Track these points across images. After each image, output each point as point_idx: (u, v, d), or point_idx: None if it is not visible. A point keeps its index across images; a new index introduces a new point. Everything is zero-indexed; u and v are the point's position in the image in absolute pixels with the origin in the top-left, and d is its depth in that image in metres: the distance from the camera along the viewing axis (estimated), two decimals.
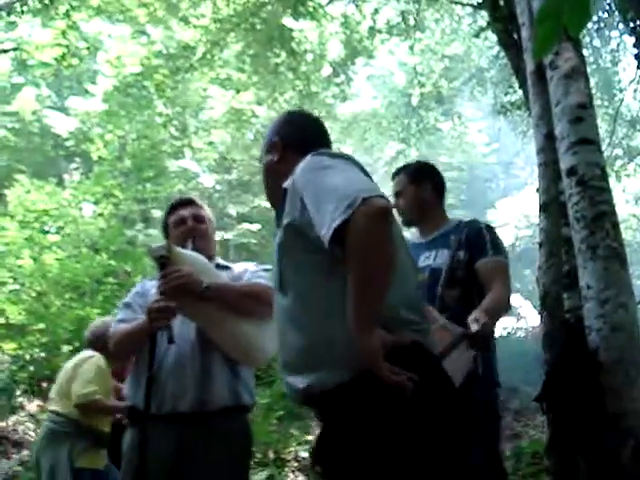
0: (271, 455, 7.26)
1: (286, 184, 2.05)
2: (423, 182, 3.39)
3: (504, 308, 3.06)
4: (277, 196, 2.13)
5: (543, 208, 3.88)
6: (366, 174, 2.02)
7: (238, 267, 3.06)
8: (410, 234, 3.65)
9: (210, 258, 2.97)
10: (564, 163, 3.62)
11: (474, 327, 2.62)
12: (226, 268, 3.01)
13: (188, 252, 2.82)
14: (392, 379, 1.74)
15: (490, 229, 3.28)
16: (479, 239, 3.17)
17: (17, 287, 9.89)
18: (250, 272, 2.97)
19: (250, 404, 2.86)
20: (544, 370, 3.63)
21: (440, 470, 1.79)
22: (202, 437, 2.65)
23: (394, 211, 2.69)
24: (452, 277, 3.10)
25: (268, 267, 2.87)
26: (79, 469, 4.24)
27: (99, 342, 4.45)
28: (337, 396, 1.83)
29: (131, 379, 2.88)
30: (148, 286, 3.02)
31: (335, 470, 1.86)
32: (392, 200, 3.29)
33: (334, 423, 1.88)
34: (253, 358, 2.82)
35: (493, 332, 2.85)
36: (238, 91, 15.13)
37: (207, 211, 3.15)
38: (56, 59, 12.03)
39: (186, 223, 2.98)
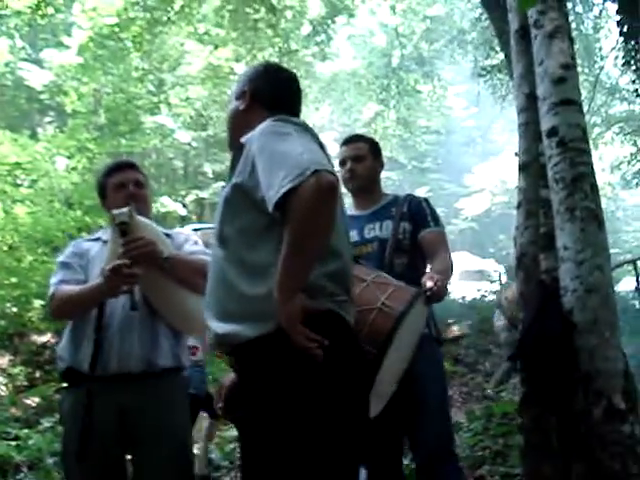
0: None
1: (244, 139, 2.08)
2: (379, 157, 3.52)
3: (450, 273, 3.22)
4: (235, 144, 2.18)
5: (522, 168, 3.85)
6: (322, 147, 2.06)
7: (178, 235, 3.09)
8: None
9: None
10: (545, 123, 3.60)
11: (429, 284, 2.76)
12: (168, 236, 2.97)
13: (146, 220, 2.81)
14: (302, 344, 1.82)
15: (428, 202, 3.43)
16: (420, 211, 3.34)
17: None
18: (191, 243, 2.99)
19: (185, 367, 2.92)
20: (518, 330, 3.65)
21: (340, 432, 1.88)
22: (147, 397, 2.67)
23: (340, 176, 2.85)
24: (399, 246, 3.25)
25: (200, 227, 2.88)
26: None
27: None
28: (251, 349, 1.92)
29: (69, 340, 2.82)
30: (85, 246, 2.97)
31: (244, 421, 2.00)
32: (348, 164, 3.39)
33: (245, 375, 1.99)
34: (193, 328, 2.87)
35: (445, 292, 2.98)
36: (216, 47, 14.93)
37: (145, 176, 3.10)
38: (31, 7, 11.76)
39: (127, 187, 2.92)
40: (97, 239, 3.00)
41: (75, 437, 2.62)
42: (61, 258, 2.97)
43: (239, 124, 2.27)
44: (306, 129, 2.07)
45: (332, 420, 1.86)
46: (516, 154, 4.04)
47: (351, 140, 3.55)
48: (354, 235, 3.23)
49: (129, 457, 2.78)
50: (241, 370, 2.04)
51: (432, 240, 3.28)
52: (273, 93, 2.30)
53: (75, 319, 2.82)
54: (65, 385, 2.86)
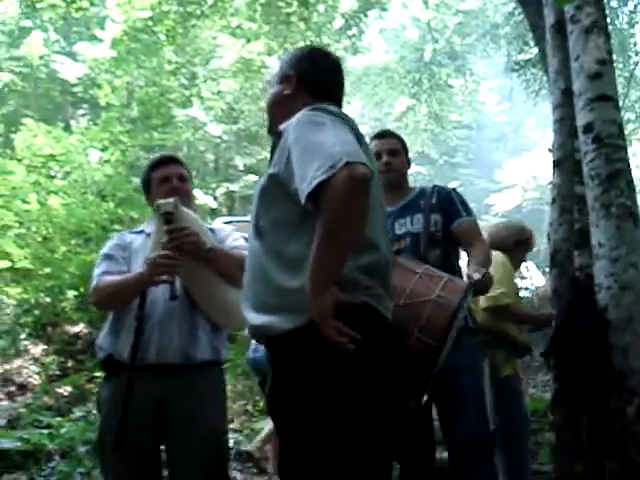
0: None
1: (282, 126, 2.08)
2: (408, 154, 3.55)
3: (489, 263, 3.18)
4: (275, 130, 2.17)
5: (557, 164, 3.84)
6: (359, 137, 2.04)
7: (220, 230, 3.11)
8: None
9: None
10: (581, 119, 3.58)
11: (476, 276, 2.75)
12: (211, 231, 3.02)
13: (191, 212, 2.85)
14: (333, 338, 1.81)
15: (456, 192, 3.43)
16: (450, 202, 3.34)
17: (23, 231, 9.88)
18: (233, 238, 3.01)
19: (224, 360, 2.95)
20: (552, 326, 3.63)
21: (373, 425, 1.88)
22: (184, 389, 2.70)
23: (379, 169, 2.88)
24: (432, 239, 3.23)
25: (231, 219, 2.90)
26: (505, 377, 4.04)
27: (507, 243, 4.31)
28: (286, 341, 1.92)
29: (110, 329, 2.86)
30: (129, 239, 3.02)
31: (281, 415, 2.00)
32: (384, 157, 3.39)
33: (279, 367, 2.00)
34: (233, 322, 2.89)
35: (490, 282, 2.98)
36: (248, 40, 14.93)
37: (186, 169, 3.14)
38: (66, 1, 11.85)
39: (171, 181, 2.97)
40: (140, 232, 3.06)
41: (113, 425, 2.65)
42: (104, 250, 3.02)
43: (283, 109, 2.24)
44: (343, 119, 2.05)
45: (365, 413, 1.86)
46: (550, 150, 4.02)
47: (385, 134, 3.56)
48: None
49: (163, 447, 2.80)
50: (275, 362, 2.04)
51: (466, 230, 3.27)
52: (318, 78, 2.29)
53: (117, 309, 2.85)
54: (104, 374, 2.90)
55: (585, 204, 3.55)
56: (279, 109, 2.28)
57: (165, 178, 2.98)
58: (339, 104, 2.26)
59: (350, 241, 1.87)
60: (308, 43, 15.04)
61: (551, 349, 3.50)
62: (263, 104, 18.48)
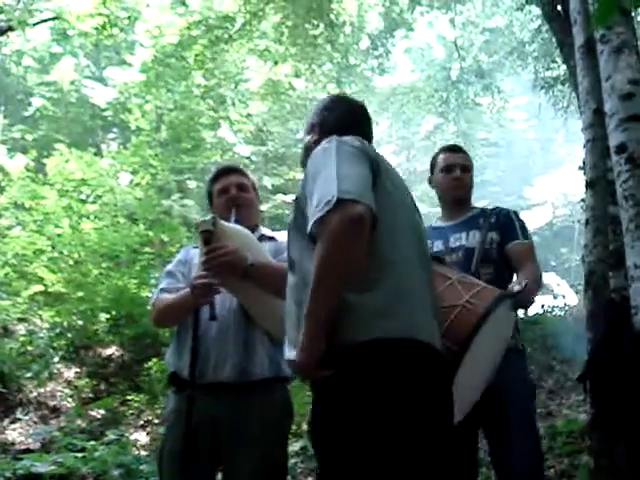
0: (304, 426, 7.30)
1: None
2: (472, 171, 3.46)
3: (538, 285, 3.11)
4: None
5: (590, 185, 3.80)
6: (375, 171, 2.04)
7: (282, 237, 2.96)
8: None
9: (254, 228, 2.96)
10: (613, 140, 3.54)
11: (516, 287, 2.67)
12: (271, 239, 2.99)
13: (233, 226, 2.80)
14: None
15: (516, 215, 3.35)
16: (509, 223, 3.26)
17: (56, 255, 10.00)
18: None
19: (289, 376, 2.83)
20: (587, 349, 3.58)
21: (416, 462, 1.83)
22: (243, 407, 2.66)
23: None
24: (486, 256, 3.16)
25: None
26: None
27: None
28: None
29: (173, 346, 2.89)
30: (191, 254, 3.02)
31: (317, 443, 1.97)
32: (457, 172, 3.33)
33: (320, 398, 1.96)
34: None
35: (533, 301, 2.91)
36: (276, 63, 15.03)
37: (252, 179, 3.12)
38: (96, 29, 12.05)
39: (229, 192, 2.96)
40: None
41: (175, 439, 2.67)
42: (168, 267, 3.06)
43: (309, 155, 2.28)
44: (354, 151, 2.05)
45: (406, 448, 1.82)
46: (580, 168, 3.99)
47: (458, 149, 3.51)
48: (439, 245, 3.24)
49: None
50: (316, 394, 2.01)
51: (520, 252, 3.19)
52: (337, 122, 2.35)
53: (174, 326, 2.90)
54: (173, 389, 2.90)
55: (619, 225, 3.50)
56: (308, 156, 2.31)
57: (224, 189, 2.97)
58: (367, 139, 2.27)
59: (338, 280, 1.86)
60: (335, 64, 15.11)
61: (587, 372, 3.45)
62: (291, 125, 18.65)
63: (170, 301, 2.83)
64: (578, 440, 5.22)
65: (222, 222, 2.73)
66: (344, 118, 2.37)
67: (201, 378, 2.68)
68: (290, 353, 2.00)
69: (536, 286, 3.02)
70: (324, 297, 1.85)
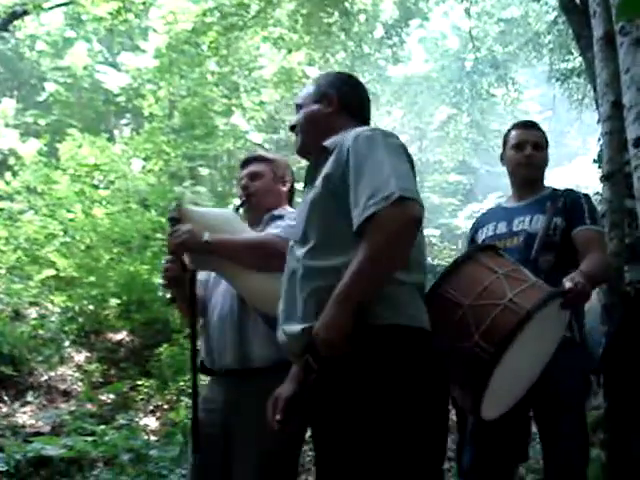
0: None
1: (329, 143, 2.09)
2: (547, 149, 3.30)
3: (602, 275, 2.97)
4: (314, 147, 2.18)
5: (607, 178, 3.78)
6: (412, 166, 2.04)
7: (281, 216, 2.96)
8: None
9: (268, 210, 2.97)
10: (631, 133, 3.50)
11: (567, 284, 2.53)
12: (279, 217, 2.94)
13: (199, 210, 2.95)
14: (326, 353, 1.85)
15: (587, 198, 3.18)
16: (577, 207, 3.10)
17: (68, 240, 10.02)
18: (274, 226, 2.91)
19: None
20: (601, 343, 3.56)
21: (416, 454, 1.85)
22: (248, 393, 2.67)
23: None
24: (548, 242, 3.01)
25: None
26: None
27: None
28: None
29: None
30: None
31: (321, 422, 1.97)
32: (528, 149, 3.19)
33: (327, 373, 1.91)
34: (261, 304, 2.70)
35: (588, 296, 2.68)
36: (290, 51, 14.99)
37: (274, 164, 3.09)
38: (111, 13, 12.03)
39: (241, 182, 3.03)
40: None
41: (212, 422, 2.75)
42: None
43: (319, 127, 2.26)
44: (400, 146, 2.05)
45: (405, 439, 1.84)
46: (594, 161, 3.96)
47: (532, 125, 3.34)
48: (502, 227, 3.14)
49: None
50: (321, 369, 1.96)
51: (586, 238, 3.01)
52: (361, 104, 2.33)
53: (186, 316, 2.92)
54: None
55: (635, 219, 3.49)
56: (315, 127, 2.28)
57: (239, 179, 3.06)
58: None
59: (384, 277, 1.88)
60: (349, 53, 15.06)
61: (601, 366, 3.44)
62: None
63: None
64: (590, 434, 5.20)
65: (187, 208, 2.83)
66: (364, 102, 2.35)
67: (211, 364, 2.81)
68: (292, 326, 2.00)
69: (595, 277, 2.83)
70: (367, 286, 1.85)
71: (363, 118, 2.30)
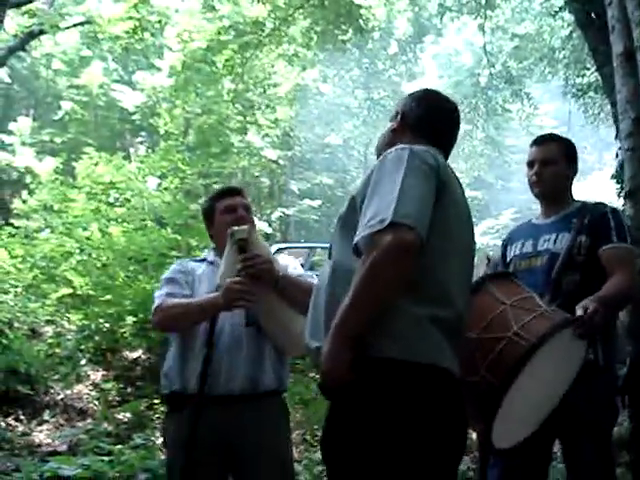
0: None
1: (376, 162, 2.05)
2: (573, 162, 3.15)
3: (624, 297, 2.84)
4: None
5: (629, 195, 3.73)
6: (440, 190, 1.95)
7: (280, 259, 3.03)
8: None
9: None
10: None
11: (578, 312, 2.44)
12: None
13: (262, 240, 2.88)
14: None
15: (616, 214, 2.99)
16: (603, 224, 2.90)
17: (84, 258, 10.03)
18: (293, 267, 2.99)
19: (286, 388, 2.94)
20: (626, 362, 3.51)
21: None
22: (249, 419, 2.69)
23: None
24: (571, 262, 2.87)
25: (286, 246, 2.90)
26: None
27: None
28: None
29: (176, 358, 2.84)
30: (190, 266, 3.03)
31: (330, 454, 1.91)
32: (535, 166, 3.08)
33: (339, 407, 1.89)
34: (297, 349, 2.79)
35: (607, 320, 2.57)
36: (304, 68, 15.05)
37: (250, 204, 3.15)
38: (127, 32, 12.13)
39: (237, 211, 2.98)
40: (203, 260, 3.07)
41: (180, 456, 2.63)
42: (167, 274, 3.02)
43: (386, 142, 2.25)
44: (426, 168, 1.96)
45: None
46: (613, 176, 3.91)
47: (543, 141, 3.19)
48: (528, 246, 3.03)
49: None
50: (334, 400, 1.95)
51: (612, 257, 2.82)
52: (420, 117, 2.25)
53: (180, 333, 2.85)
54: (168, 408, 2.90)
55: None
56: (385, 143, 2.27)
57: (231, 208, 2.99)
58: (444, 149, 2.21)
59: (373, 302, 1.81)
60: (363, 70, 15.10)
61: (626, 387, 3.38)
62: (318, 130, 18.66)
63: (187, 304, 2.80)
64: (615, 454, 5.12)
65: (255, 233, 2.79)
66: (427, 117, 2.26)
67: (210, 389, 2.67)
68: (313, 342, 1.97)
69: (613, 302, 2.69)
70: (357, 311, 1.81)
71: (429, 135, 2.20)
